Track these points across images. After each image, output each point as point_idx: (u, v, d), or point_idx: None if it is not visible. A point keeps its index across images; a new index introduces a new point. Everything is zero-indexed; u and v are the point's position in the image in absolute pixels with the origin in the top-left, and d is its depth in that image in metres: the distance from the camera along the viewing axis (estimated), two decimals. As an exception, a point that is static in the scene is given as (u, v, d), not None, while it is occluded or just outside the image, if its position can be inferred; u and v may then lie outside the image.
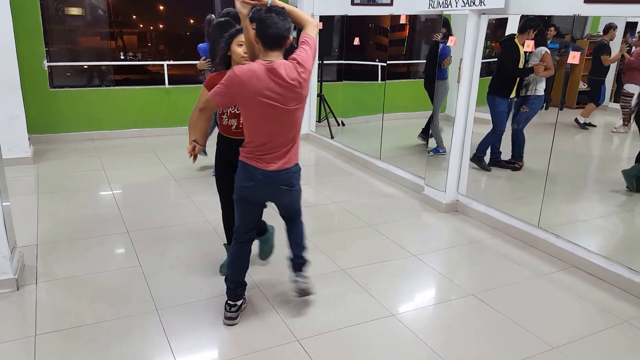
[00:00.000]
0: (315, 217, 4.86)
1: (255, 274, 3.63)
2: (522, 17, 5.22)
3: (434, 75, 5.93)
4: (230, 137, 3.27)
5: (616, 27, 5.69)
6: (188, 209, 4.87)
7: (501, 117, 5.66)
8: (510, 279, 3.75)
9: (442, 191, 5.01)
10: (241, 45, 3.18)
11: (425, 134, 6.92)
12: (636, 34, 5.53)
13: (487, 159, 5.78)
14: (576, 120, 6.55)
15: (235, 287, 3.08)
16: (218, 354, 2.84)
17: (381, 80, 6.61)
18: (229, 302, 3.08)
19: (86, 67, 7.83)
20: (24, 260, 3.62)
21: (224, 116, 3.27)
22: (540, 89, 5.45)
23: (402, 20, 6.08)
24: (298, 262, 3.21)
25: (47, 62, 6.86)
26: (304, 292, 3.20)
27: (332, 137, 7.47)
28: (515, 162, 5.69)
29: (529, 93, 5.51)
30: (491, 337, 3.07)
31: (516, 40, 5.36)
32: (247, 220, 3.04)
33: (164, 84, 7.55)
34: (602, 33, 5.95)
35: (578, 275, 3.81)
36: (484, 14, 4.53)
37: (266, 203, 3.12)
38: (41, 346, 2.81)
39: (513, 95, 5.61)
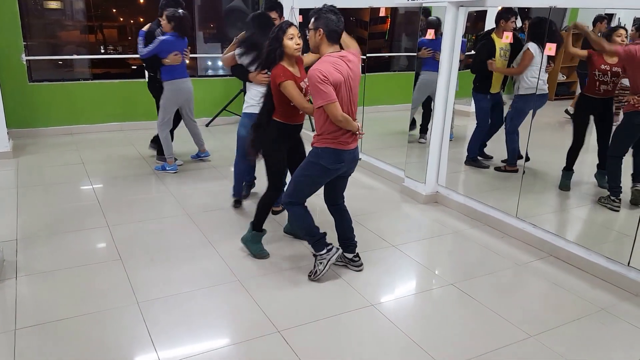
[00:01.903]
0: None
1: (235, 268, 3.65)
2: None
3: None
4: (297, 124, 3.72)
5: (604, 19, 5.71)
6: (168, 202, 4.86)
7: (482, 113, 5.69)
8: (489, 269, 3.80)
9: (422, 183, 5.06)
10: (292, 38, 3.42)
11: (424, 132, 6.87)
12: (632, 28, 5.56)
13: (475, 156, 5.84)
14: (566, 110, 6.58)
15: (320, 237, 3.53)
16: (199, 346, 2.84)
17: (361, 73, 6.61)
18: (322, 253, 3.51)
19: (64, 60, 7.73)
20: (3, 255, 3.59)
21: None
22: (523, 88, 5.23)
23: (383, 13, 6.09)
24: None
25: (26, 56, 6.77)
26: (358, 268, 3.69)
27: (313, 130, 7.47)
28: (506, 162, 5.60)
29: (514, 92, 5.46)
30: (470, 326, 3.12)
31: (493, 35, 5.37)
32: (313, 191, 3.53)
33: (143, 77, 7.48)
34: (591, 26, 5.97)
35: (556, 264, 3.88)
36: (462, 5, 4.56)
37: None
38: (21, 340, 2.80)
39: (496, 90, 5.58)
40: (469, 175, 5.77)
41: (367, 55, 6.75)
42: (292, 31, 3.44)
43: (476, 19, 6.53)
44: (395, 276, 3.71)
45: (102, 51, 7.94)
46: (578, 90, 6.38)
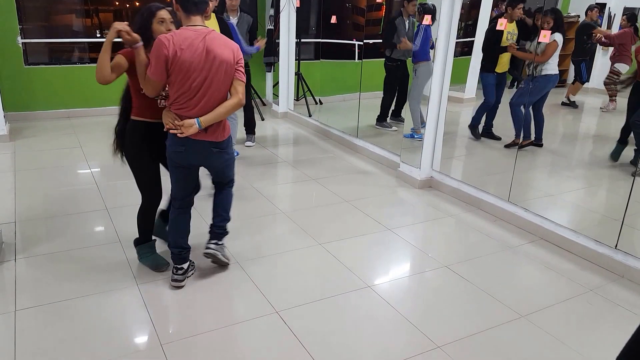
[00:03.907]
0: (293, 194, 4.93)
1: (233, 248, 3.69)
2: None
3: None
4: (157, 121, 3.11)
5: (594, 8, 5.85)
6: (166, 185, 4.85)
7: (488, 90, 5.98)
8: (481, 251, 3.88)
9: (416, 168, 5.11)
10: (162, 22, 3.02)
11: (395, 116, 7.02)
12: (622, 17, 5.65)
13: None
14: (566, 101, 6.71)
15: (180, 251, 3.21)
16: (199, 326, 2.89)
17: (358, 59, 6.64)
18: (175, 266, 3.22)
19: (60, 43, 7.70)
20: (2, 237, 3.61)
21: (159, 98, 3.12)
22: (545, 70, 5.47)
23: (379, 0, 6.12)
24: (218, 232, 3.37)
25: (21, 39, 6.75)
26: (216, 260, 3.38)
27: (309, 115, 7.50)
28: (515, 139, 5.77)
29: (534, 73, 5.66)
30: (463, 306, 3.19)
31: (502, 19, 5.52)
32: (184, 186, 3.18)
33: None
34: (584, 15, 6.09)
35: (546, 247, 3.96)
36: (458, -8, 4.60)
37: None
38: (21, 321, 2.83)
39: (502, 70, 5.89)
40: (463, 161, 5.84)
41: (364, 41, 6.77)
42: (163, 14, 3.03)
43: (470, 7, 6.58)
44: (390, 258, 3.78)
45: (98, 35, 7.91)
46: (570, 79, 6.49)
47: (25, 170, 5.18)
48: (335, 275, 3.46)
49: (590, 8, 5.86)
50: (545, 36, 4.94)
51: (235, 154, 5.70)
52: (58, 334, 2.77)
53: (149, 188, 3.32)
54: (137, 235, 3.44)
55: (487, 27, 6.08)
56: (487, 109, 6.06)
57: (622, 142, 5.28)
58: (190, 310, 3.04)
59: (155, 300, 3.09)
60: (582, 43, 6.19)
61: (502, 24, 5.25)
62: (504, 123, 5.79)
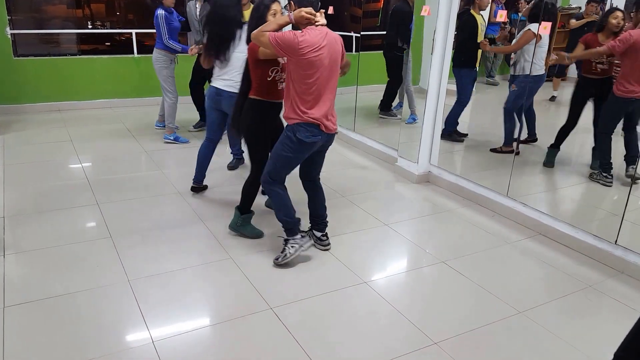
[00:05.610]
0: (288, 189, 4.86)
1: (228, 246, 3.65)
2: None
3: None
4: (275, 102, 3.56)
5: (599, 1, 5.77)
6: (158, 180, 4.82)
7: (467, 88, 5.78)
8: (479, 247, 3.83)
9: (414, 162, 5.06)
10: (275, 14, 3.39)
11: (386, 109, 6.95)
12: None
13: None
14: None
15: (296, 222, 3.48)
16: (191, 323, 2.84)
17: (355, 51, 6.57)
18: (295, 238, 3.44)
19: (50, 35, 7.62)
20: (-10, 232, 3.56)
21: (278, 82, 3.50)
22: (535, 69, 5.22)
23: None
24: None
25: (10, 29, 6.64)
26: (325, 247, 3.66)
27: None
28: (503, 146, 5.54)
29: (517, 72, 5.46)
30: (460, 302, 3.15)
31: (472, 11, 5.39)
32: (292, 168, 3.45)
33: (132, 53, 7.39)
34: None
35: (544, 243, 3.91)
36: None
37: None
38: (10, 318, 2.78)
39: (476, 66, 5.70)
40: (460, 156, 5.80)
41: (361, 33, 6.70)
42: (276, 7, 3.41)
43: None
44: (387, 254, 3.73)
45: (90, 27, 7.82)
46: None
47: (14, 164, 5.09)
48: (331, 270, 3.41)
49: (590, 1, 5.77)
50: (502, 16, 4.84)
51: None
52: (47, 330, 2.71)
53: (262, 160, 3.60)
54: (239, 205, 3.75)
55: (464, 20, 5.83)
56: (462, 110, 5.82)
57: (556, 146, 5.08)
58: (182, 307, 2.98)
59: (147, 297, 3.03)
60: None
61: (502, 15, 5.14)
62: (483, 124, 5.73)
